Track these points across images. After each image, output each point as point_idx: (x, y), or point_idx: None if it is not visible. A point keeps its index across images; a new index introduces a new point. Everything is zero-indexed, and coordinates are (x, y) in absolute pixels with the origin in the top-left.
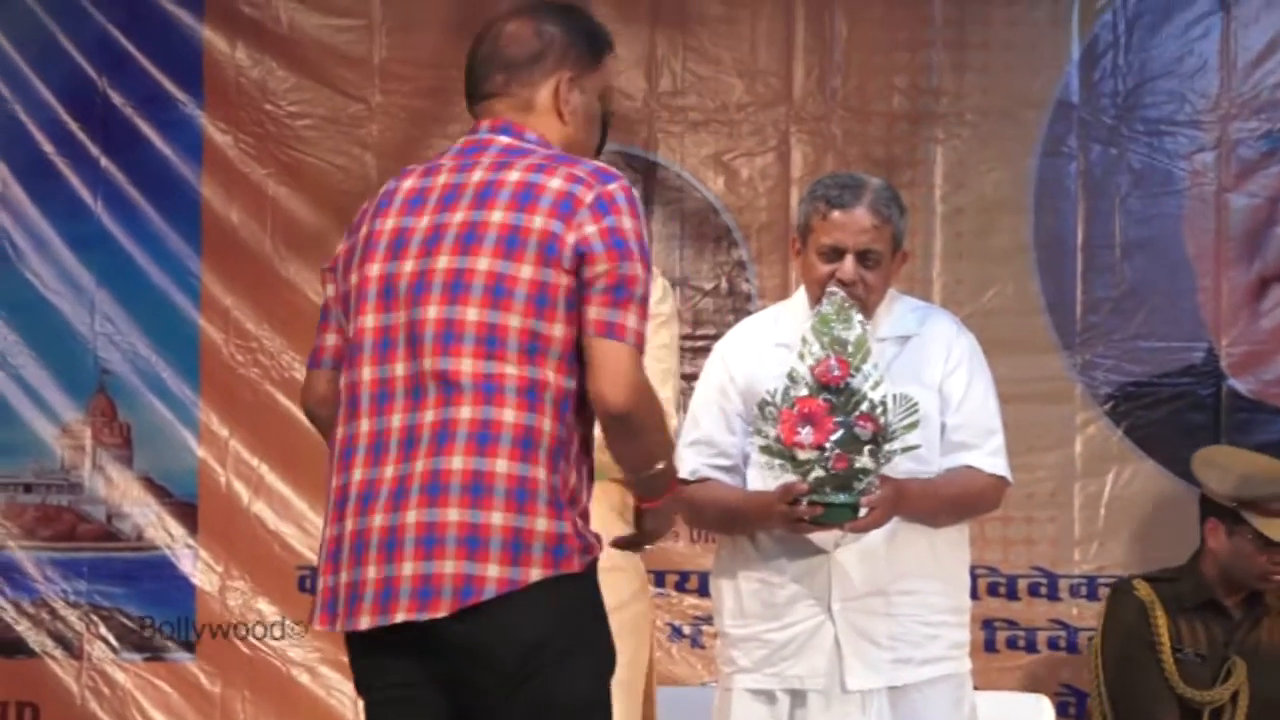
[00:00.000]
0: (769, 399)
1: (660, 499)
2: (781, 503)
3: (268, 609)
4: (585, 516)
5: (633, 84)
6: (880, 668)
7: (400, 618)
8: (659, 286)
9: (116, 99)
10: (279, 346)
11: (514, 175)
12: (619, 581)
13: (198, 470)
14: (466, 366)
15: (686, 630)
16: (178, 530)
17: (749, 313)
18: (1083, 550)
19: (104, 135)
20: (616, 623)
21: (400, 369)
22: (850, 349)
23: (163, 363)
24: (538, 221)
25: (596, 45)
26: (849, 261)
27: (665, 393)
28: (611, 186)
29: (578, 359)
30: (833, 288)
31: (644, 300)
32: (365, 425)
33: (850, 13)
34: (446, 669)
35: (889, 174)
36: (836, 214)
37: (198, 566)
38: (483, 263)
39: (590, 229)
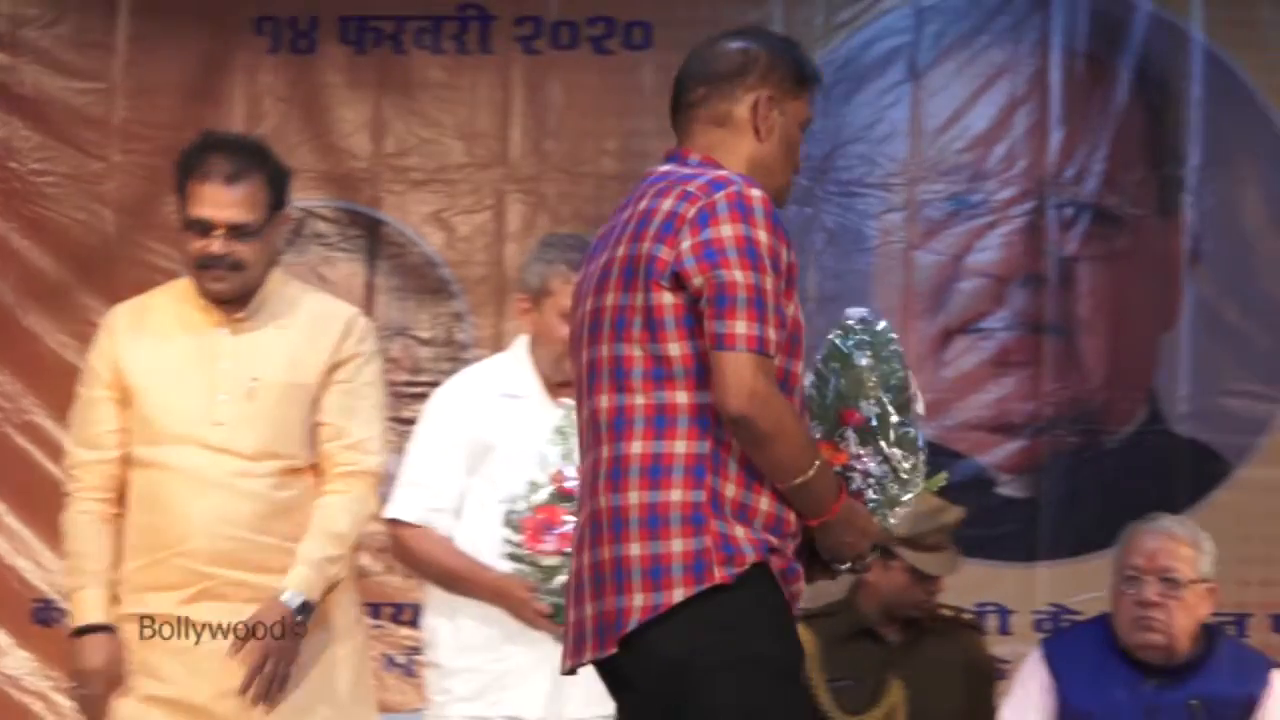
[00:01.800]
0: (511, 506)
1: (823, 515)
2: (520, 593)
3: (3, 639)
4: (751, 514)
5: (360, 145)
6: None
7: (587, 658)
8: (359, 328)
9: None
10: (18, 391)
11: (642, 205)
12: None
13: None
14: (604, 403)
15: (400, 660)
16: None
17: (466, 361)
18: None
19: None
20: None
21: (584, 413)
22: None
23: None
24: (645, 247)
25: (802, 73)
26: None
27: (376, 429)
28: (718, 195)
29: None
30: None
31: (755, 303)
32: (578, 471)
33: (564, 80)
34: (623, 703)
35: (597, 229)
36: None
37: None
38: (610, 298)
39: (686, 244)
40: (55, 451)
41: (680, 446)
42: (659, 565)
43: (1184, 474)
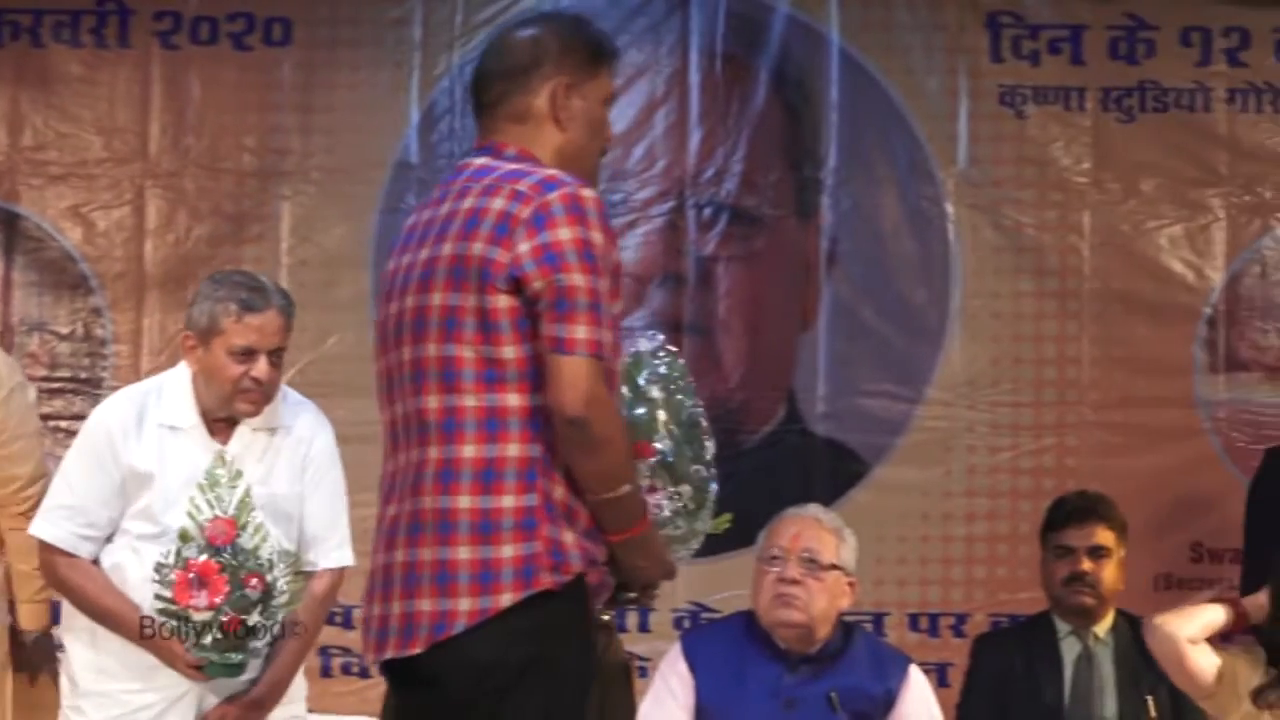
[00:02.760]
0: (163, 560)
1: (628, 531)
2: (171, 645)
3: None
4: (576, 521)
5: None
6: None
7: (389, 654)
8: (2, 363)
9: None
10: None
11: (468, 202)
12: None
13: None
14: (433, 404)
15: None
16: None
17: (104, 356)
18: None
19: None
20: None
21: (399, 410)
22: (234, 510)
23: None
24: (477, 248)
25: (597, 52)
26: (263, 361)
27: (39, 453)
28: (552, 197)
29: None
30: None
31: (594, 307)
32: (387, 466)
33: (203, 75)
34: (417, 702)
35: (238, 228)
36: (251, 317)
37: None
38: (436, 298)
39: (523, 247)
40: None
41: (513, 450)
42: (489, 570)
43: (822, 473)
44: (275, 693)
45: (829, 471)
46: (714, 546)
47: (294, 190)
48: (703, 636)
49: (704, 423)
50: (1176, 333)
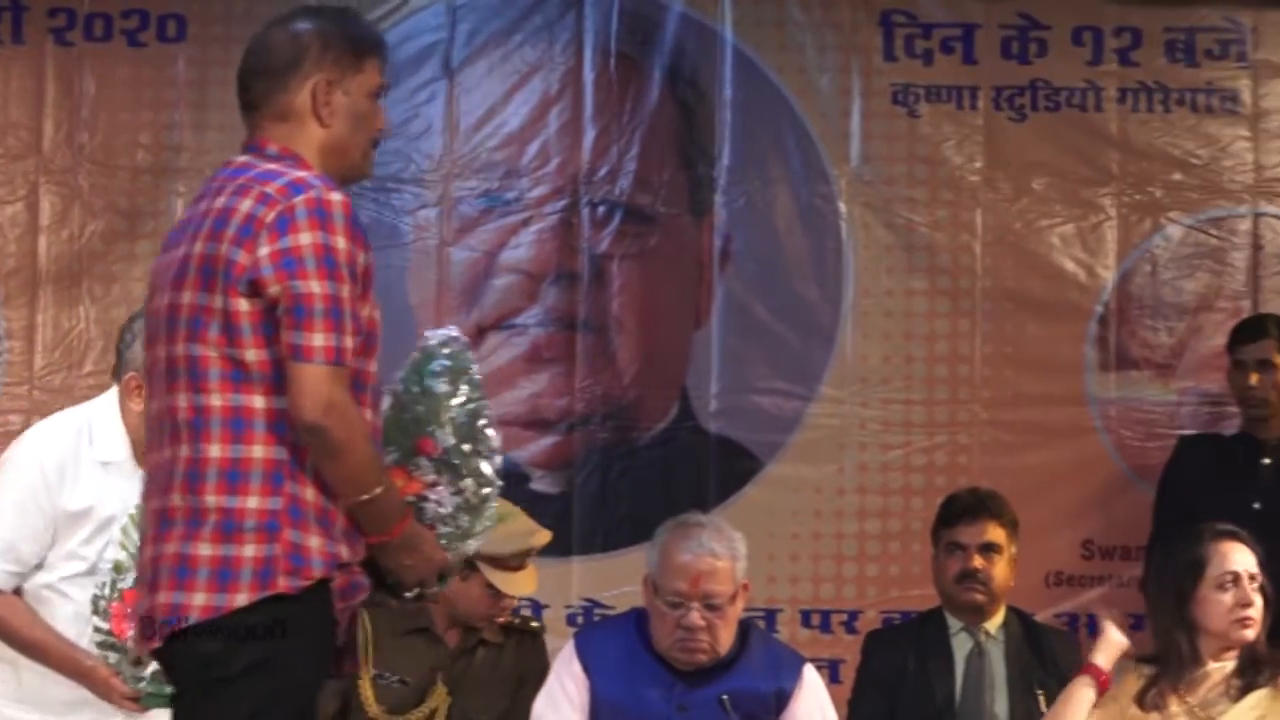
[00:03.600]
0: (99, 593)
1: (384, 535)
2: (105, 677)
3: None
4: (329, 523)
5: None
6: None
7: (152, 647)
8: None
9: None
10: None
11: (220, 201)
12: None
13: None
14: (183, 402)
15: None
16: None
17: None
18: None
19: None
20: None
21: (155, 406)
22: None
23: None
24: (223, 249)
25: (359, 46)
26: None
27: None
28: (297, 200)
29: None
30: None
31: (332, 314)
32: (148, 461)
33: (98, 72)
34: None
35: (133, 224)
36: None
37: None
38: (186, 296)
39: (264, 250)
40: None
41: (258, 451)
42: (228, 568)
43: (715, 471)
44: None
45: (722, 469)
46: (608, 543)
47: (188, 187)
48: (596, 636)
49: (488, 415)
50: (1068, 331)
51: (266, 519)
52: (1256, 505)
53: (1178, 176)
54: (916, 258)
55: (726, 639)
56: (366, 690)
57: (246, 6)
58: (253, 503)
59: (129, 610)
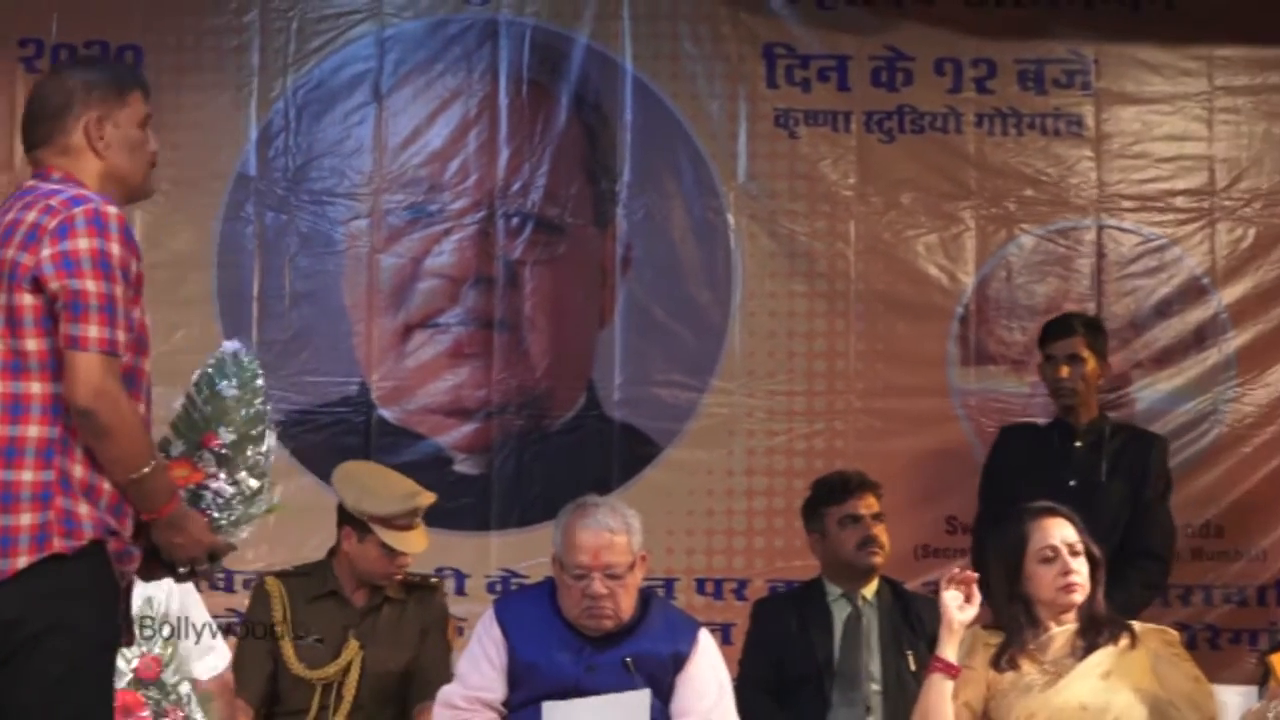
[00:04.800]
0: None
1: (153, 513)
2: None
3: None
4: (97, 497)
5: None
6: None
7: None
8: None
9: None
10: None
11: (9, 216)
12: None
13: None
14: None
15: None
16: None
17: None
18: (256, 550)
19: None
20: None
21: None
22: (159, 640)
23: None
24: (9, 253)
25: (121, 83)
26: None
27: None
28: (77, 211)
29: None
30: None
31: (106, 309)
32: None
33: None
34: None
35: None
36: None
37: None
38: None
39: (46, 252)
40: None
41: (33, 431)
42: (8, 536)
43: (618, 454)
44: None
45: (625, 453)
46: (524, 519)
47: (144, 200)
48: (513, 602)
49: (268, 419)
50: (932, 329)
51: (40, 490)
52: (1072, 483)
53: (1029, 192)
54: (797, 264)
55: (628, 606)
56: (288, 651)
57: (196, 38)
58: (27, 475)
59: (120, 708)
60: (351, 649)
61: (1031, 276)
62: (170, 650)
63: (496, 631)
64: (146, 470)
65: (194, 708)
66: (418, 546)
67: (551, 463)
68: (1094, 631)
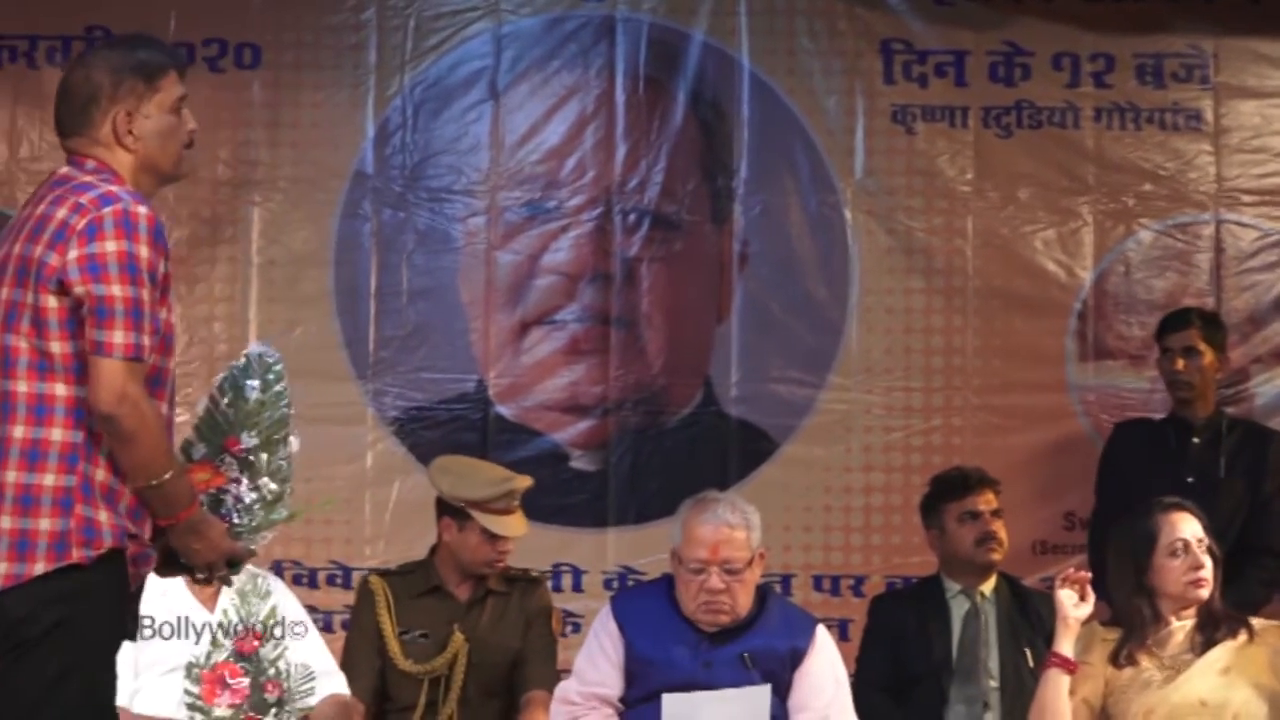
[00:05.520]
0: (194, 661)
1: (171, 519)
2: None
3: None
4: (117, 502)
5: None
6: None
7: None
8: None
9: None
10: None
11: (40, 208)
12: None
13: None
14: None
15: None
16: None
17: None
18: (372, 546)
19: None
20: None
21: None
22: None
23: None
24: (38, 251)
25: (150, 70)
26: None
27: None
28: (105, 211)
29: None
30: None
31: (132, 314)
32: None
33: None
34: None
35: (214, 231)
36: None
37: None
38: (4, 293)
39: (73, 255)
40: None
41: (57, 434)
42: (26, 540)
43: (735, 451)
44: None
45: (742, 449)
46: (641, 516)
47: (263, 197)
48: (631, 598)
49: (290, 423)
50: (1050, 325)
51: (61, 495)
52: (1190, 479)
53: (1147, 187)
54: (914, 260)
55: (745, 601)
56: (394, 647)
57: (314, 36)
58: (49, 480)
59: (218, 676)
60: (457, 642)
61: (1150, 272)
62: (270, 628)
63: (613, 627)
64: (167, 477)
65: (294, 683)
66: (517, 530)
67: (668, 459)
68: (1213, 627)
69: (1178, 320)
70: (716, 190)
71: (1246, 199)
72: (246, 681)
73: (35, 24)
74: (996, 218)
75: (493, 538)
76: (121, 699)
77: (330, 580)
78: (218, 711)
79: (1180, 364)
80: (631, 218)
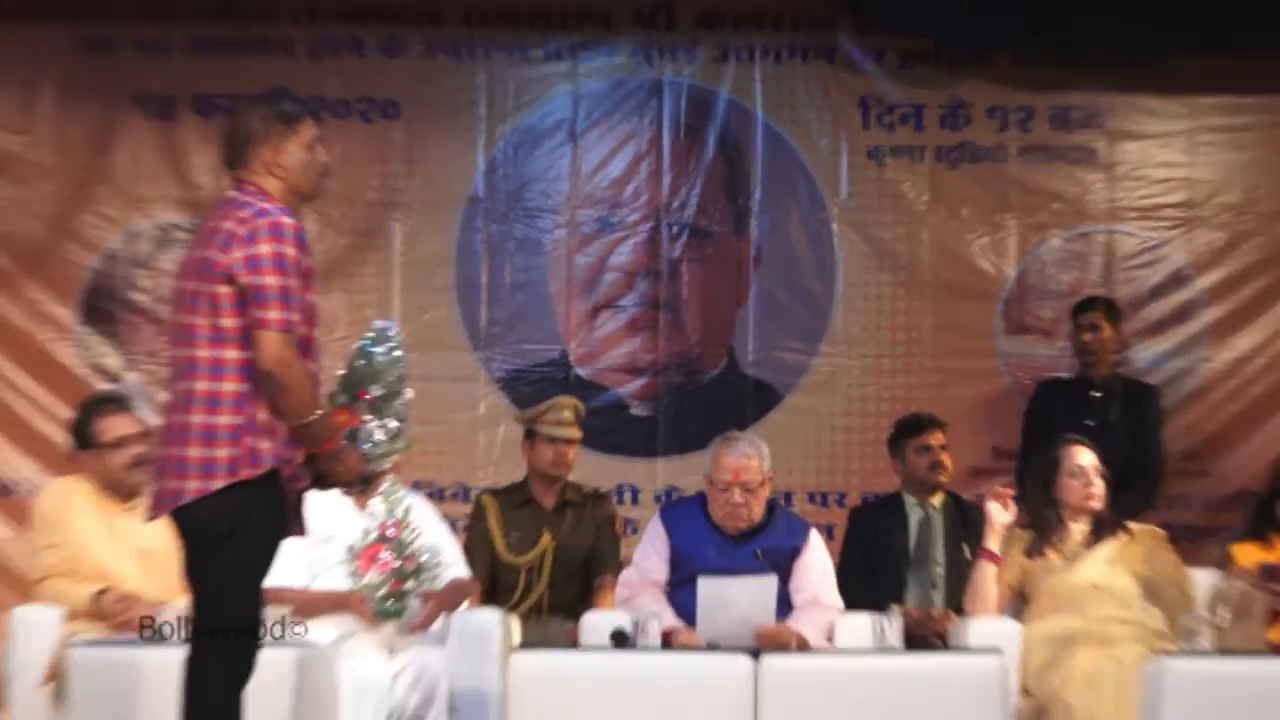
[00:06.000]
0: (352, 546)
1: (318, 449)
2: (355, 603)
3: None
4: (275, 435)
5: (207, 181)
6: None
7: (158, 514)
8: None
9: None
10: None
11: (213, 221)
12: None
13: None
14: (183, 354)
15: None
16: None
17: None
18: (484, 471)
19: None
20: None
21: (172, 355)
22: (400, 518)
23: None
24: (210, 252)
25: (288, 118)
26: None
27: None
28: (260, 223)
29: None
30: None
31: (282, 298)
32: (169, 389)
33: (342, 138)
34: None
35: (366, 240)
36: None
37: None
38: (190, 284)
39: (237, 254)
40: None
41: (229, 386)
42: (210, 464)
43: (751, 402)
44: (423, 626)
45: (756, 400)
46: (682, 449)
47: (402, 215)
48: (675, 508)
49: (404, 377)
50: (983, 308)
51: (234, 430)
52: (1090, 423)
53: (1057, 206)
54: (884, 260)
55: (758, 511)
56: (500, 545)
57: (438, 94)
58: (224, 420)
59: (370, 554)
60: (545, 541)
61: (1058, 269)
62: (407, 519)
63: (661, 530)
64: (314, 417)
65: (425, 559)
66: (569, 434)
67: (702, 407)
68: (1101, 530)
69: (1087, 305)
70: (738, 209)
71: (1130, 215)
72: (390, 556)
73: (235, 85)
74: (945, 229)
75: (552, 441)
76: (303, 580)
77: (454, 496)
78: (370, 579)
79: (1088, 337)
80: (675, 229)
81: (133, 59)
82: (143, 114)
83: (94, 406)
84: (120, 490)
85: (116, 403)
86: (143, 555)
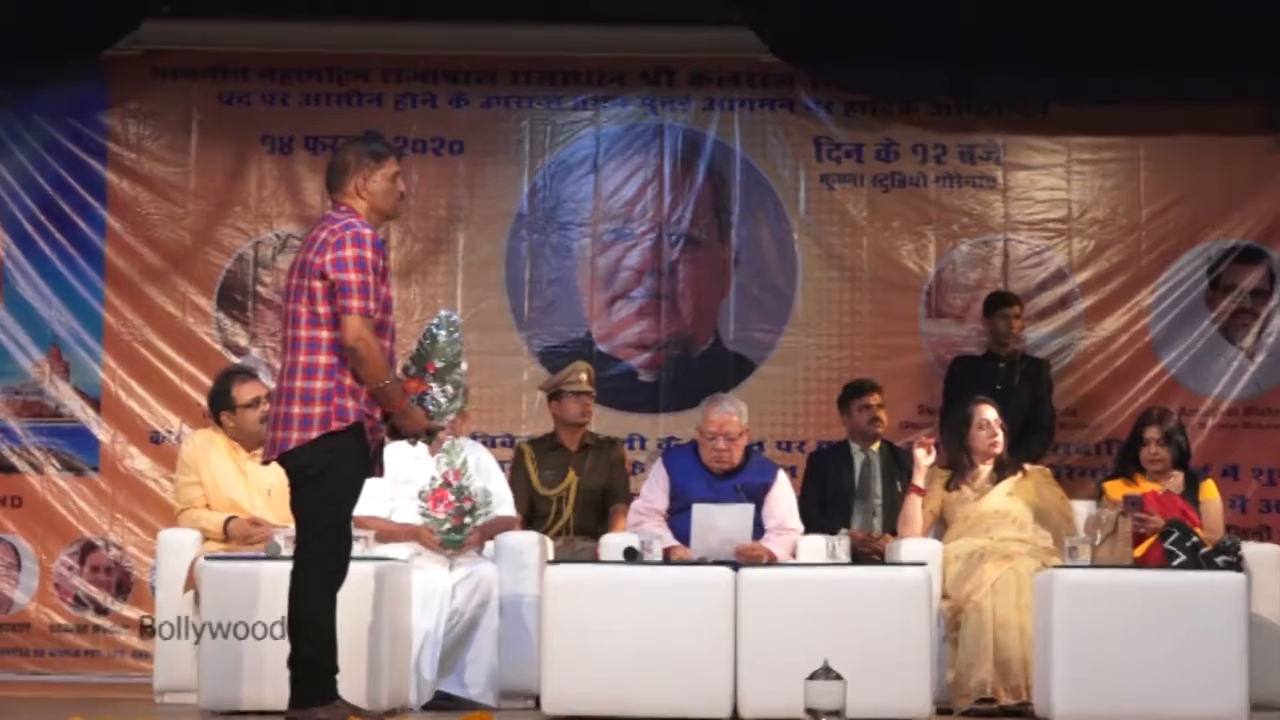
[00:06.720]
0: (422, 488)
1: (391, 408)
2: (425, 535)
3: (135, 450)
4: (358, 396)
5: (318, 202)
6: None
7: (270, 458)
8: None
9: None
10: (142, 324)
11: (313, 232)
12: None
13: (101, 385)
14: (289, 334)
15: None
16: (91, 414)
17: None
18: (526, 425)
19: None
20: None
21: (281, 335)
22: (460, 467)
23: (84, 332)
24: (310, 255)
25: (377, 155)
26: None
27: None
28: (346, 233)
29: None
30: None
31: (362, 290)
32: (281, 361)
33: (419, 169)
34: (289, 484)
35: (436, 247)
36: None
37: (100, 431)
38: (294, 280)
39: (328, 256)
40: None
41: (322, 359)
42: (309, 419)
43: (732, 371)
44: (474, 543)
45: (736, 370)
46: (679, 407)
47: (465, 226)
48: (673, 453)
49: (462, 353)
50: (910, 298)
51: (326, 393)
52: (997, 388)
53: (965, 220)
54: (833, 263)
55: (738, 455)
56: (535, 481)
57: (490, 133)
58: (319, 384)
59: (437, 495)
60: (570, 477)
61: (967, 268)
62: (465, 467)
63: (662, 470)
64: (386, 383)
65: (479, 499)
66: (584, 387)
67: (694, 375)
68: (1003, 470)
69: (1006, 300)
70: (721, 222)
71: (1022, 228)
72: (453, 497)
73: (337, 129)
74: (880, 238)
75: (577, 395)
76: (383, 511)
77: (502, 444)
78: (438, 515)
79: (1004, 325)
80: (673, 238)
81: (259, 108)
82: (267, 150)
83: (231, 375)
84: (249, 441)
85: (247, 372)
86: (266, 492)
